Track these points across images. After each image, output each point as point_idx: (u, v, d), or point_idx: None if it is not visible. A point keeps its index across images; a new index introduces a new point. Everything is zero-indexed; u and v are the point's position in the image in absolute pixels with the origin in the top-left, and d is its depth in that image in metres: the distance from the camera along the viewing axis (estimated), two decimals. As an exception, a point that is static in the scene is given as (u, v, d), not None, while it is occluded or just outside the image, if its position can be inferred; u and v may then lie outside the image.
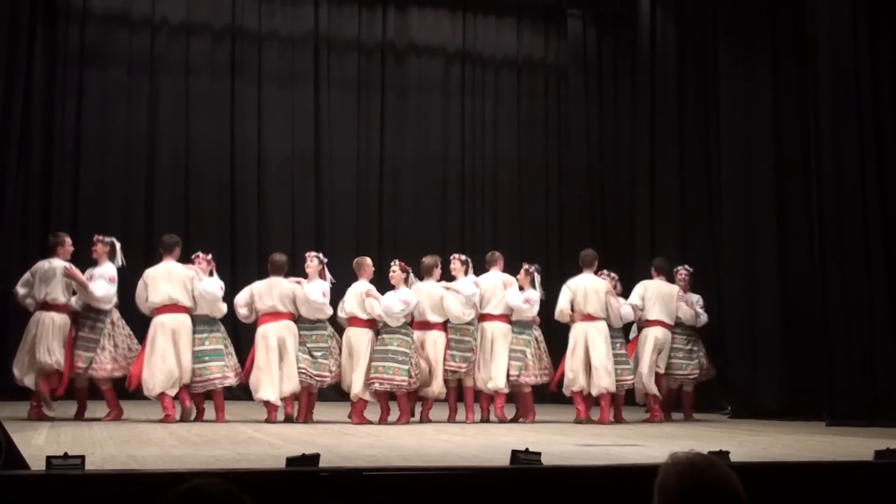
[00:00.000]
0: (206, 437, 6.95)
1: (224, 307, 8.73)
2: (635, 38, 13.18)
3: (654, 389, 9.59)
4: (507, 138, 14.01)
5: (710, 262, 11.11)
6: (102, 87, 12.37)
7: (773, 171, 10.59)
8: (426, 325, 9.12)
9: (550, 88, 14.22)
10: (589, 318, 9.22)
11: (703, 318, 10.04)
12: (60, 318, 8.44)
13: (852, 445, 6.78)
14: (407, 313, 8.84)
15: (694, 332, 9.98)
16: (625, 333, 9.85)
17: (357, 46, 13.47)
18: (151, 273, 8.68)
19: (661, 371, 9.70)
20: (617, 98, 13.91)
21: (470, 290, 9.11)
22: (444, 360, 9.06)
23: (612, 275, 9.77)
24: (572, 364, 9.19)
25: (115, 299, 8.62)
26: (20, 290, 8.60)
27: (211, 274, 8.79)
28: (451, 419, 9.12)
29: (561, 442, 7.00)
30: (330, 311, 8.81)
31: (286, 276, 8.92)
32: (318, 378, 8.68)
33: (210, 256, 8.92)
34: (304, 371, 8.59)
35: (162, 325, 8.47)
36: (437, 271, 9.32)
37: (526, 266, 9.55)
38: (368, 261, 9.21)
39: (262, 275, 9.22)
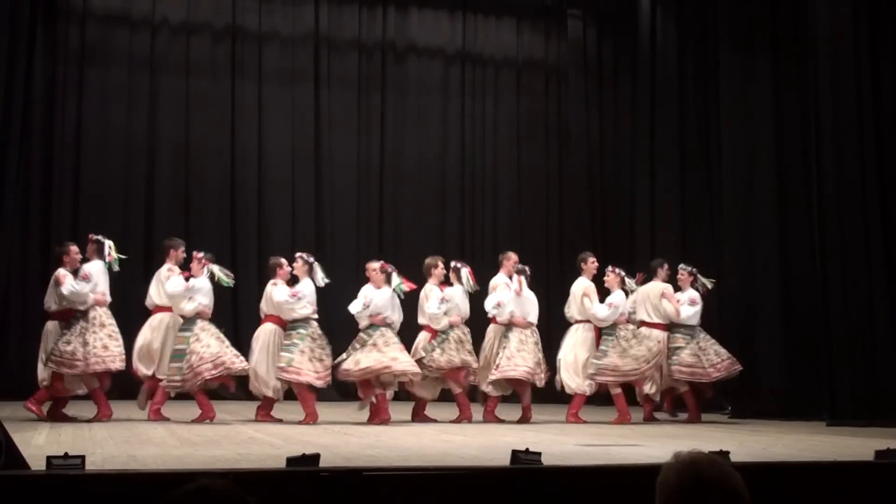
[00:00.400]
0: (206, 437, 6.95)
1: (187, 305, 8.66)
2: (635, 38, 13.18)
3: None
4: (507, 138, 14.00)
5: (711, 262, 11.10)
6: (103, 86, 12.37)
7: (774, 171, 10.60)
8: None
9: (550, 88, 14.22)
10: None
11: (684, 313, 9.75)
12: (52, 325, 8.45)
13: (852, 445, 6.79)
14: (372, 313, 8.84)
15: (696, 332, 9.79)
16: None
17: (357, 46, 13.47)
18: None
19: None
20: (617, 98, 13.90)
21: (432, 310, 9.09)
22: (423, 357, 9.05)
23: (618, 270, 9.73)
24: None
25: (89, 297, 8.40)
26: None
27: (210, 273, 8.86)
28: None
29: (561, 442, 7.00)
30: (304, 312, 8.73)
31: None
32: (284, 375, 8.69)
33: (201, 255, 8.91)
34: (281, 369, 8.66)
35: (149, 325, 8.83)
36: (437, 272, 9.31)
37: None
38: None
39: (262, 274, 9.24)
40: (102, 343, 8.38)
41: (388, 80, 13.61)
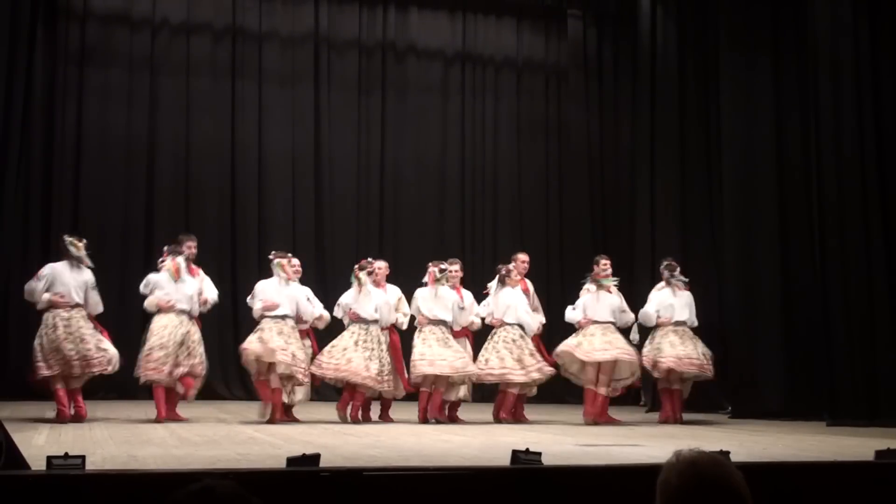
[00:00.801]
0: (206, 437, 6.95)
1: (147, 303, 8.65)
2: (635, 37, 13.17)
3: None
4: (507, 138, 14.00)
5: (711, 262, 11.11)
6: (103, 86, 12.37)
7: (774, 171, 10.60)
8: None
9: (550, 88, 14.21)
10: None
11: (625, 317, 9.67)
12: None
13: (852, 445, 6.78)
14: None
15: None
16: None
17: (357, 46, 13.47)
18: None
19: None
20: (617, 98, 13.90)
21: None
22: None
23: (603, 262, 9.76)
24: None
25: (40, 297, 8.24)
26: None
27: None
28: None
29: (561, 442, 7.00)
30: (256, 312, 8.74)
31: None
32: None
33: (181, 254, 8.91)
34: None
35: None
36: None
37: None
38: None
39: (263, 274, 9.22)
40: (54, 346, 8.11)
41: (388, 80, 13.61)
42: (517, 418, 9.17)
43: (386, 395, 9.01)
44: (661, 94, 12.42)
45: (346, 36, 13.43)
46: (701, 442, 6.84)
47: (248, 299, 8.77)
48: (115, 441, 6.46)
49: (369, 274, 8.90)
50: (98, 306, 8.43)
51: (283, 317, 8.50)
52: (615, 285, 9.50)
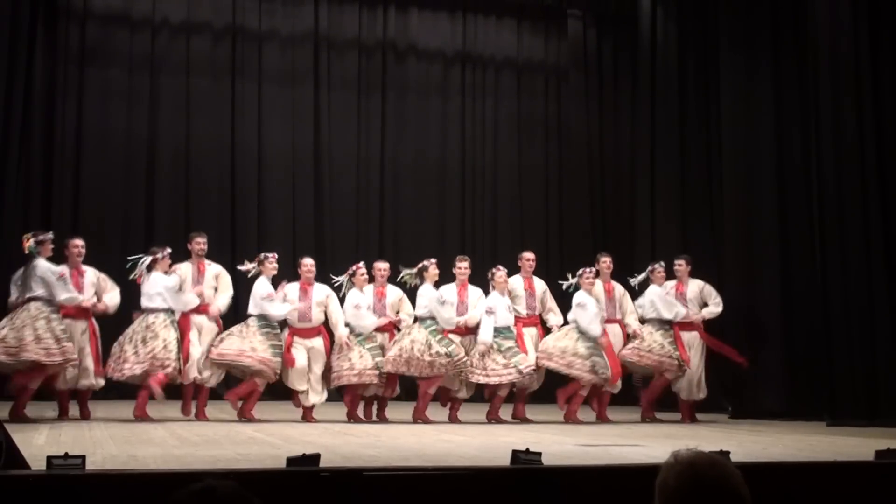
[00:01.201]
0: (206, 436, 6.95)
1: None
2: (636, 38, 13.18)
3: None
4: (507, 138, 14.01)
5: (711, 262, 11.10)
6: (103, 86, 12.38)
7: (774, 171, 10.60)
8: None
9: (550, 88, 14.22)
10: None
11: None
12: None
13: (852, 445, 6.78)
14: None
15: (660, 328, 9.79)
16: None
17: (357, 46, 13.48)
18: None
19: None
20: (617, 98, 13.91)
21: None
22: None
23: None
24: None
25: (12, 294, 8.30)
26: None
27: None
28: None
29: (561, 442, 7.00)
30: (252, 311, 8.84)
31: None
32: None
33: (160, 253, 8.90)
34: None
35: None
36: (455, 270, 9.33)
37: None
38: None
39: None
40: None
41: (388, 81, 13.62)
42: (517, 416, 9.17)
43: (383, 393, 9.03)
44: (661, 94, 12.43)
45: (346, 36, 13.44)
46: (701, 442, 6.84)
47: (264, 299, 8.79)
48: (115, 441, 6.46)
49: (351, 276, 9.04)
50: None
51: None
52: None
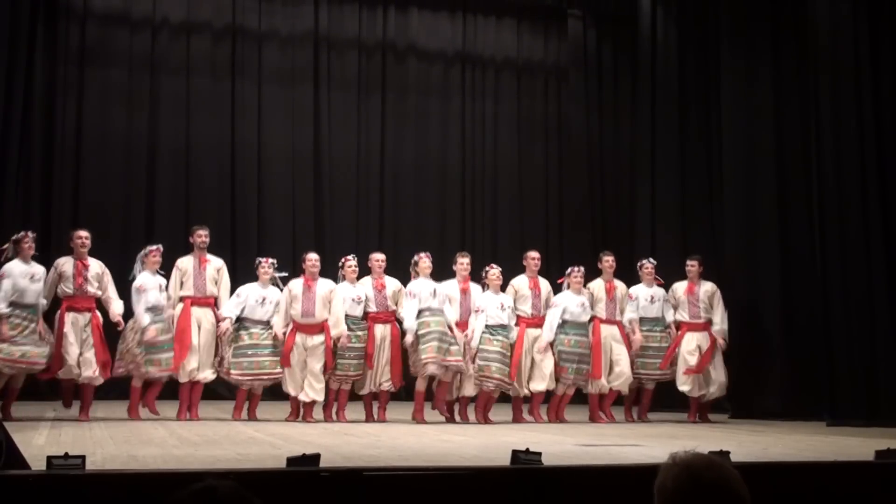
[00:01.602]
0: (206, 437, 6.95)
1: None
2: (636, 38, 13.18)
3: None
4: (507, 139, 14.01)
5: (711, 263, 11.11)
6: (103, 86, 12.37)
7: (775, 172, 10.60)
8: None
9: (550, 89, 14.22)
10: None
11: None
12: None
13: (852, 445, 6.78)
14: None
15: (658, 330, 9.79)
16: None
17: (357, 46, 13.48)
18: None
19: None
20: (617, 98, 13.90)
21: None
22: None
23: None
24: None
25: None
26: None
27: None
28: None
29: (561, 442, 7.00)
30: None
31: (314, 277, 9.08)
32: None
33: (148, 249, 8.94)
34: None
35: None
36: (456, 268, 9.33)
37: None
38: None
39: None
40: None
41: (388, 81, 13.62)
42: (514, 419, 9.17)
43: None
44: (661, 94, 12.43)
45: (346, 36, 13.44)
46: (701, 442, 6.84)
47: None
48: (115, 441, 6.46)
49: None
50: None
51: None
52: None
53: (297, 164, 13.07)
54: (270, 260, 9.18)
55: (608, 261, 9.83)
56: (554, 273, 11.67)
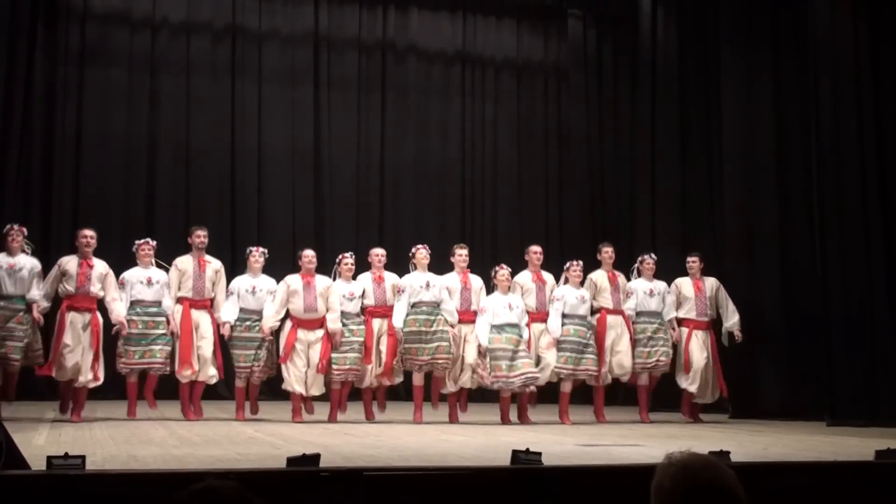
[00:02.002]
0: (206, 436, 6.95)
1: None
2: (636, 38, 13.17)
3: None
4: (507, 139, 14.01)
5: (712, 262, 11.10)
6: (103, 86, 12.37)
7: (775, 172, 10.60)
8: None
9: (550, 89, 14.22)
10: None
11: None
12: None
13: (852, 445, 6.79)
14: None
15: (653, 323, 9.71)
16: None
17: (357, 46, 13.48)
18: None
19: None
20: (617, 98, 13.90)
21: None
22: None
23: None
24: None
25: None
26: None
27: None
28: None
29: (561, 442, 7.00)
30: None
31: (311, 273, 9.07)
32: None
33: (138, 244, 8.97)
34: None
35: None
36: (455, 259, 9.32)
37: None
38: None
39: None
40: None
41: (388, 81, 13.62)
42: (510, 418, 9.14)
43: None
44: (661, 95, 12.43)
45: (346, 36, 13.44)
46: (701, 442, 6.85)
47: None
48: (115, 441, 6.46)
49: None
50: None
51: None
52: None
53: (297, 164, 13.08)
54: (261, 249, 9.17)
55: (608, 252, 9.81)
56: (553, 273, 11.67)
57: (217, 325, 8.87)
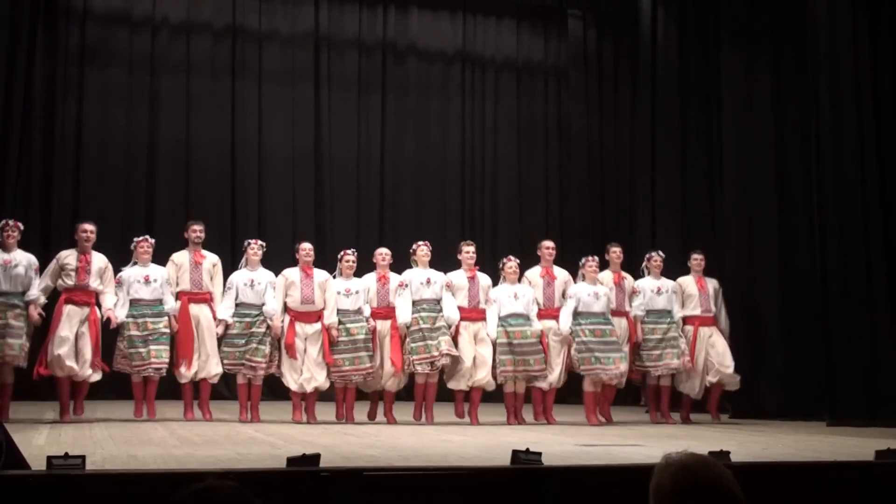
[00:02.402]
0: (206, 437, 6.95)
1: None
2: (636, 38, 13.17)
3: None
4: (507, 139, 14.01)
5: (712, 262, 11.11)
6: (103, 86, 12.37)
7: (775, 172, 10.60)
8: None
9: (550, 89, 14.23)
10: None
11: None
12: None
13: (852, 445, 6.79)
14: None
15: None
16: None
17: (357, 46, 13.48)
18: None
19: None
20: (617, 98, 13.91)
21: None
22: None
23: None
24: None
25: None
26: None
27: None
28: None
29: (561, 442, 7.00)
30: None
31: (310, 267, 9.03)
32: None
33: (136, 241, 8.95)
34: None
35: None
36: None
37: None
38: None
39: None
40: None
41: (388, 80, 13.62)
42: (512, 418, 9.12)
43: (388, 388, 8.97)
44: (662, 94, 12.43)
45: (346, 36, 13.44)
46: (700, 442, 6.85)
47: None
48: (115, 441, 6.46)
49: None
50: None
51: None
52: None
53: (297, 164, 13.08)
54: (260, 242, 9.13)
55: (616, 252, 9.78)
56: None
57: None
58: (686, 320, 9.66)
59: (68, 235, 9.07)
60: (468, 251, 9.19)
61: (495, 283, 9.23)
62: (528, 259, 9.86)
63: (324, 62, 13.33)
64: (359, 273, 9.13)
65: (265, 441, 6.78)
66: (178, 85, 12.68)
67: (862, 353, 9.14)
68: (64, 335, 8.18)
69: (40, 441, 6.32)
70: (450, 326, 8.85)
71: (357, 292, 8.85)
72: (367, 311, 8.85)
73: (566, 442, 7.02)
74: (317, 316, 8.78)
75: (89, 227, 8.64)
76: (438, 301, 8.90)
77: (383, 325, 8.93)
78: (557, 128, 14.11)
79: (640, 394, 10.99)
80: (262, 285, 8.81)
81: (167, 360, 8.54)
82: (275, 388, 9.51)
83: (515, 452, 4.40)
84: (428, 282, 8.91)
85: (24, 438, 5.54)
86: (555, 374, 9.07)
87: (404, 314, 8.80)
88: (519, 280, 9.23)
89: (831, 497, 4.47)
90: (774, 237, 10.55)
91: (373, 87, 13.55)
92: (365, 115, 13.48)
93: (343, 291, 8.82)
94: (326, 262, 9.54)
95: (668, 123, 12.33)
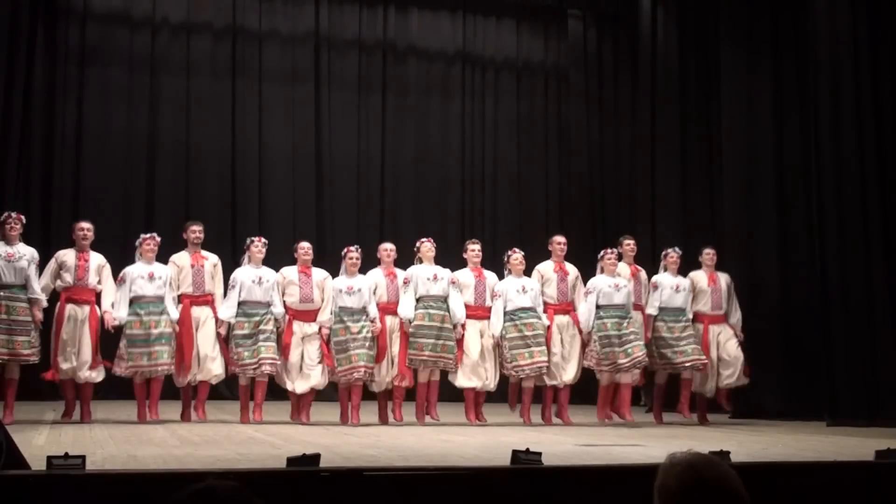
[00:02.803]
0: (206, 436, 6.95)
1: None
2: (636, 38, 13.18)
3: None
4: (507, 139, 14.01)
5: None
6: (103, 86, 12.37)
7: (774, 171, 10.61)
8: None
9: (550, 89, 14.23)
10: None
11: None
12: None
13: (852, 445, 6.79)
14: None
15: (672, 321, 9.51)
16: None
17: (357, 46, 13.49)
18: None
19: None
20: (617, 98, 13.91)
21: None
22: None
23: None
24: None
25: None
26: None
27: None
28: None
29: (561, 442, 7.00)
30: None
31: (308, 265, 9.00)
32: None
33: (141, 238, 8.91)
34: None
35: None
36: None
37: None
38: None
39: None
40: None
41: (388, 80, 13.63)
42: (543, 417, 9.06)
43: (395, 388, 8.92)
44: (662, 94, 12.44)
45: (346, 36, 13.44)
46: (700, 442, 6.85)
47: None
48: (115, 441, 6.46)
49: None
50: None
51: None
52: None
53: (297, 164, 13.08)
54: (263, 239, 9.07)
55: (629, 244, 9.69)
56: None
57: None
58: (696, 317, 9.54)
59: (68, 236, 9.05)
60: (474, 249, 9.15)
61: (500, 279, 9.20)
62: (528, 258, 9.86)
63: (324, 62, 13.33)
64: (361, 271, 9.09)
65: (265, 441, 6.78)
66: (178, 85, 12.68)
67: (862, 353, 9.14)
68: (66, 339, 8.22)
69: (40, 441, 6.32)
70: (455, 325, 8.82)
71: (360, 290, 8.71)
72: (373, 311, 8.71)
73: (566, 442, 7.02)
74: (315, 315, 8.77)
75: (87, 225, 8.63)
76: (445, 298, 8.84)
77: (393, 321, 8.80)
78: (557, 128, 14.12)
79: (640, 394, 10.99)
80: (269, 282, 8.72)
81: (169, 361, 8.49)
82: (275, 388, 9.49)
83: (515, 452, 4.40)
84: (435, 277, 8.84)
85: (24, 438, 5.53)
86: (570, 372, 9.03)
87: (406, 309, 8.75)
88: (528, 274, 9.17)
89: (831, 497, 4.47)
90: (774, 237, 10.56)
91: (373, 87, 13.56)
92: (365, 115, 13.48)
93: (346, 289, 8.70)
94: (326, 261, 9.53)
95: (668, 123, 12.34)
